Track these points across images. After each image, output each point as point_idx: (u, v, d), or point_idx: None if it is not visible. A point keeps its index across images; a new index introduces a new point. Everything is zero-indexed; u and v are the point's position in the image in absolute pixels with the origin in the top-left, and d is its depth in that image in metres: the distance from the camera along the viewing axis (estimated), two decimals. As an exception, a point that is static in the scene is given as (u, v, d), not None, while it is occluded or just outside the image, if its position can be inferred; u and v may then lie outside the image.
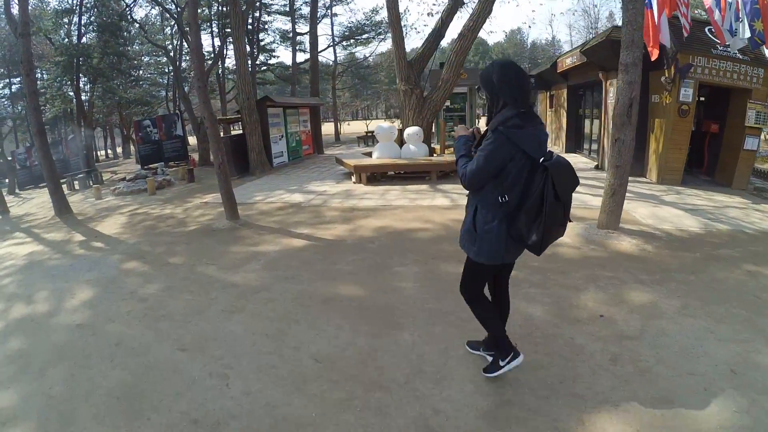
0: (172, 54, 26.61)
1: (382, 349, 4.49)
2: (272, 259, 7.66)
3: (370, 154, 15.56)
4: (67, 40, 26.08)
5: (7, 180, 24.37)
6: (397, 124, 21.66)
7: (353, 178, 14.12)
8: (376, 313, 5.49)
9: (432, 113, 14.91)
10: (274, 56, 35.00)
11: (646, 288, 5.31)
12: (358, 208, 10.75)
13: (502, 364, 3.45)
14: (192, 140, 28.76)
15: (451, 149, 16.07)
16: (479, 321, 3.49)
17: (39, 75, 38.61)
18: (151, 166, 24.03)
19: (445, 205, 10.21)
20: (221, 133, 26.76)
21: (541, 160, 2.85)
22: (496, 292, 3.60)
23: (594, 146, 15.57)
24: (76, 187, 20.71)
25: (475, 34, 13.59)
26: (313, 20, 24.48)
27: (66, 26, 27.21)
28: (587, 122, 16.19)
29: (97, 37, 27.79)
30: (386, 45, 35.66)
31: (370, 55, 34.87)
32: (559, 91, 18.24)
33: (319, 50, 32.41)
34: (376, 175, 13.97)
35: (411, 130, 14.24)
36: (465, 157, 3.04)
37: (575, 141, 17.27)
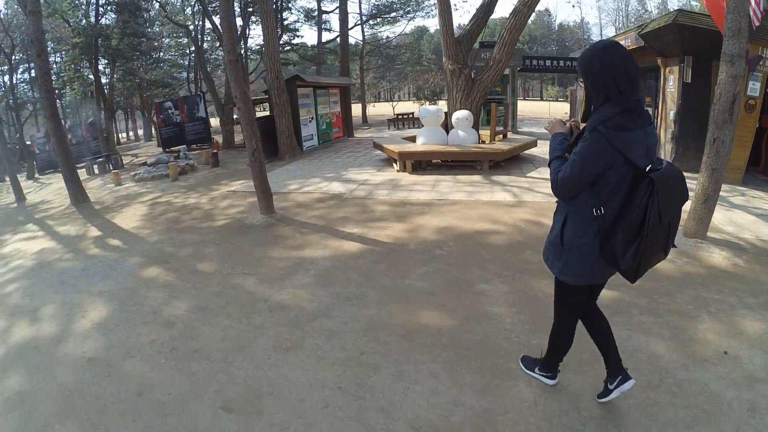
0: (193, 34, 25.08)
1: (498, 410, 3.35)
2: (324, 269, 6.17)
3: (412, 139, 14.00)
4: (84, 21, 24.67)
5: (26, 164, 23.38)
6: (425, 106, 20.03)
7: (396, 166, 12.57)
8: (475, 353, 4.09)
9: (481, 96, 13.47)
10: (298, 36, 33.19)
11: (756, 315, 4.46)
12: (410, 202, 9.19)
13: (611, 387, 3.04)
14: (214, 122, 27.36)
15: (500, 137, 14.43)
16: (553, 337, 3.19)
17: (56, 58, 37.64)
18: (172, 149, 22.83)
19: (509, 201, 8.73)
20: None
21: (647, 169, 2.42)
22: (588, 313, 3.09)
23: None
24: (95, 171, 19.55)
25: (532, 9, 12.34)
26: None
27: (83, 7, 25.84)
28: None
29: (115, 17, 26.38)
30: (414, 24, 33.71)
31: (399, 34, 32.86)
32: None
33: (332, 39, 30.86)
34: (421, 163, 12.41)
35: (461, 114, 12.67)
36: (559, 160, 2.62)
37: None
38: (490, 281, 5.48)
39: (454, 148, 12.15)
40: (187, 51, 36.90)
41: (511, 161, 12.67)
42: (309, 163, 15.29)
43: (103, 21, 26.38)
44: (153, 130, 34.96)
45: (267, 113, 16.65)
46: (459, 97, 13.43)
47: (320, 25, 30.27)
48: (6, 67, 31.84)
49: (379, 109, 46.60)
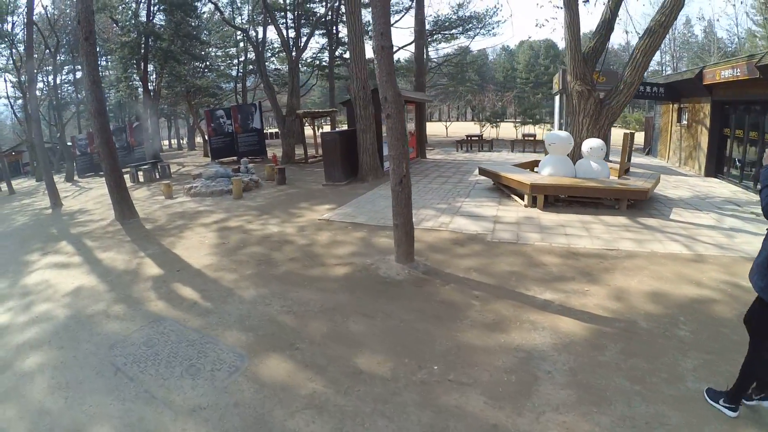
0: (254, 39, 22.81)
1: None
2: (570, 371, 3.62)
3: (528, 167, 11.38)
4: (134, 20, 22.62)
5: (65, 165, 21.15)
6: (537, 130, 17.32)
7: (523, 200, 9.76)
8: None
9: (610, 123, 11.16)
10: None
11: None
12: (577, 251, 6.50)
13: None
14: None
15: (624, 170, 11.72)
16: (746, 365, 2.99)
17: (102, 62, 35.90)
18: (222, 160, 20.35)
19: (686, 254, 6.31)
20: (307, 130, 22.66)
21: None
22: None
23: (734, 171, 12.61)
24: (140, 179, 17.05)
25: (667, 30, 10.54)
26: (420, 5, 20.17)
27: (133, 5, 23.89)
28: (735, 144, 12.78)
29: (167, 17, 24.34)
30: (478, 43, 31.11)
31: (461, 53, 30.21)
32: (697, 105, 14.66)
33: (403, 45, 28.46)
34: (547, 198, 9.65)
35: (594, 143, 10.18)
36: None
37: (717, 164, 13.78)
38: None
39: (593, 183, 9.42)
40: (235, 62, 34.83)
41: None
42: (383, 187, 12.44)
43: (153, 21, 24.41)
44: (197, 138, 32.79)
45: (345, 128, 13.84)
46: (586, 123, 10.99)
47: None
48: (50, 67, 30.16)
49: (433, 129, 43.35)
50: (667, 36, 44.89)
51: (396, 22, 28.22)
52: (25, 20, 21.81)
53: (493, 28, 28.60)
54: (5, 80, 30.53)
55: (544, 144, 10.76)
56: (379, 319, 4.62)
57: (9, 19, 25.76)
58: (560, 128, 16.92)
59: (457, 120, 57.38)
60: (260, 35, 23.83)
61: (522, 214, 8.73)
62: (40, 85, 29.87)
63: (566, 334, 4.14)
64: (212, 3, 23.78)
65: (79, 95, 33.59)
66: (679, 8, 10.16)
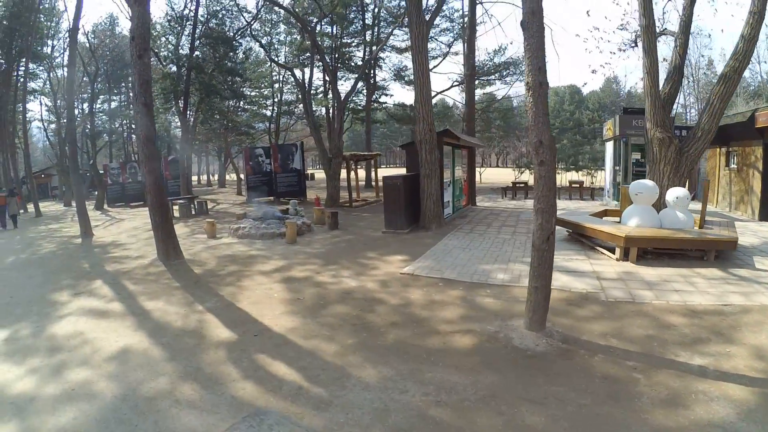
0: (301, 78, 22.26)
1: None
2: None
3: (599, 215, 10.78)
4: (176, 53, 22.20)
5: (96, 192, 20.10)
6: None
7: (615, 254, 8.70)
8: None
9: (688, 170, 10.76)
10: (386, 94, 30.43)
11: None
12: (695, 309, 5.64)
13: None
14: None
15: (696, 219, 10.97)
16: None
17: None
18: (259, 199, 19.15)
19: None
20: (343, 171, 21.49)
21: None
22: None
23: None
24: (176, 214, 15.76)
25: (741, 75, 10.18)
26: (471, 48, 19.38)
27: (176, 36, 23.67)
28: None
29: (210, 51, 23.98)
30: (501, 89, 30.24)
31: (500, 99, 29.45)
32: (748, 148, 14.09)
33: (442, 90, 28.21)
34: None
35: (680, 193, 9.57)
36: None
37: (772, 209, 12.89)
38: None
39: (688, 235, 8.68)
40: (268, 102, 34.45)
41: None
42: (467, 236, 10.94)
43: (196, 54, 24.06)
44: (228, 176, 31.93)
45: (405, 172, 12.60)
46: (667, 171, 10.53)
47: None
48: (85, 94, 29.98)
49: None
50: (691, 77, 44.22)
51: (434, 67, 27.80)
52: (67, 43, 21.46)
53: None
54: (40, 103, 30.40)
55: (628, 193, 9.96)
56: (553, 405, 3.51)
57: (49, 42, 25.60)
58: (613, 176, 16.08)
59: (489, 166, 56.24)
60: (302, 75, 23.32)
61: (618, 269, 7.63)
62: (75, 111, 29.49)
63: (741, 402, 3.58)
64: (257, 41, 23.41)
65: (113, 125, 33.29)
66: (752, 53, 10.00)
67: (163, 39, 23.39)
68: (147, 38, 9.31)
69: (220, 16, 22.29)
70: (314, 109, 32.49)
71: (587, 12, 13.47)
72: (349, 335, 4.93)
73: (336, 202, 16.72)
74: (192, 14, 21.08)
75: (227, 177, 33.43)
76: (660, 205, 9.79)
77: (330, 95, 28.01)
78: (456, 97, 30.90)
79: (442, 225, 12.24)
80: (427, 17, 14.69)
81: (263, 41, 25.18)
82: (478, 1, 18.54)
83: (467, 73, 20.07)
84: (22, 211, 19.15)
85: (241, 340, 4.87)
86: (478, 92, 27.48)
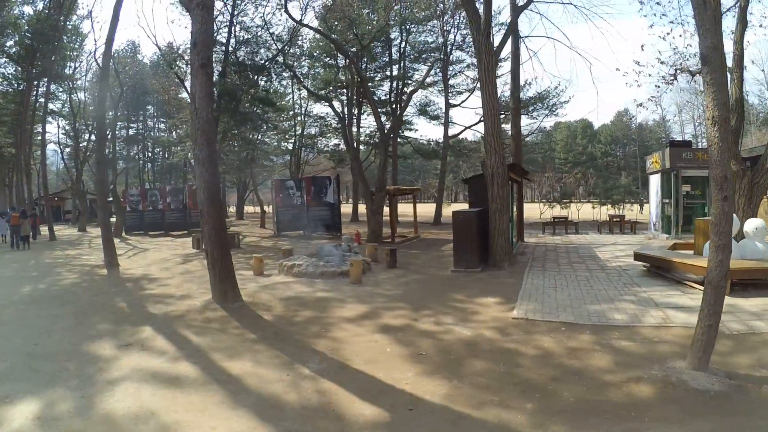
0: (340, 109, 21.10)
1: None
2: None
3: (673, 248, 10.13)
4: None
5: (113, 219, 18.49)
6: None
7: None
8: None
9: (759, 200, 10.59)
10: (410, 129, 29.38)
11: None
12: None
13: None
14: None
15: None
16: None
17: (157, 123, 34.38)
18: (287, 233, 17.62)
19: None
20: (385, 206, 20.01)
21: None
22: None
23: None
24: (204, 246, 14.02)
25: None
26: (516, 81, 18.24)
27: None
28: None
29: (239, 78, 22.83)
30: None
31: (531, 133, 28.33)
32: None
33: (469, 125, 26.92)
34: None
35: (758, 223, 9.37)
36: None
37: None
38: None
39: None
40: (290, 135, 33.28)
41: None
42: (546, 275, 9.45)
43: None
44: (250, 208, 30.34)
45: (467, 207, 11.15)
46: (741, 203, 10.40)
47: (447, 118, 26.39)
48: (108, 120, 28.70)
49: (456, 208, 39.01)
50: (702, 108, 43.29)
51: (463, 101, 26.92)
52: (90, 64, 20.33)
53: (556, 108, 26.78)
54: (58, 125, 29.04)
55: (703, 226, 9.45)
56: None
57: (70, 64, 24.39)
58: (661, 209, 15.20)
59: (544, 202, 55.02)
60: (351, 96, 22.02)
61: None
62: (87, 136, 28.12)
63: None
64: (290, 70, 22.38)
65: (130, 152, 31.97)
66: None
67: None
68: (210, 46, 7.99)
69: (252, 42, 21.21)
70: (336, 142, 31.54)
71: (641, 46, 12.60)
72: (522, 398, 3.82)
73: (379, 237, 15.13)
74: (224, 39, 20.09)
75: (246, 209, 31.75)
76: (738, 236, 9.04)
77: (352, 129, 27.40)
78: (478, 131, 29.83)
79: (513, 263, 10.96)
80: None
81: (295, 71, 24.01)
82: (521, 38, 17.54)
83: (512, 107, 19.00)
84: (32, 235, 17.41)
85: (397, 418, 3.41)
86: (506, 126, 26.55)
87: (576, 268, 10.24)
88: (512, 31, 12.00)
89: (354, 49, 19.53)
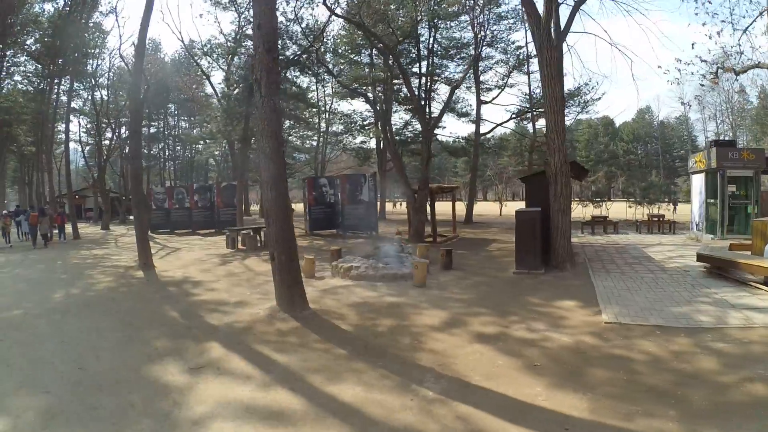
0: (377, 103, 20.17)
1: None
2: None
3: (735, 248, 9.49)
4: (241, 72, 20.24)
5: (132, 217, 17.72)
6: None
7: None
8: None
9: None
10: (439, 126, 28.33)
11: None
12: None
13: None
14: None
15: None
16: None
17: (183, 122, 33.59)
18: (321, 232, 16.72)
19: None
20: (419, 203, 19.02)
21: None
22: None
23: None
24: (240, 245, 13.23)
25: None
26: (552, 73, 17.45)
27: (235, 57, 21.76)
28: None
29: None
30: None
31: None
32: None
33: (500, 122, 26.51)
34: None
35: None
36: None
37: None
38: None
39: None
40: (313, 132, 32.33)
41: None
42: (611, 276, 8.65)
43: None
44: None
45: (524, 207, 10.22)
46: None
47: (479, 115, 25.20)
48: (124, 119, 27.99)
49: (481, 208, 38.19)
50: (725, 105, 41.87)
51: (494, 98, 25.84)
52: (125, 58, 19.65)
53: (588, 105, 25.37)
54: (79, 123, 28.25)
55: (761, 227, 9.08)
56: None
57: (91, 62, 23.53)
58: (705, 209, 14.26)
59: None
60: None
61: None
62: (110, 134, 27.30)
63: None
64: (323, 65, 21.45)
65: (151, 150, 31.22)
66: None
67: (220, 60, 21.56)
68: (276, 28, 6.96)
69: (283, 36, 20.32)
70: (362, 140, 30.52)
71: (692, 44, 11.61)
72: (660, 405, 3.56)
73: (421, 237, 14.15)
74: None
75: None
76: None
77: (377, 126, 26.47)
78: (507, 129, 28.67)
79: (575, 264, 10.01)
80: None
81: (328, 65, 23.02)
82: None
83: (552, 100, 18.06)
84: (60, 236, 16.61)
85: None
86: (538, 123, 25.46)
87: (636, 269, 9.42)
88: (568, 26, 11.07)
89: (388, 45, 18.65)
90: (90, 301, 7.37)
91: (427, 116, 23.84)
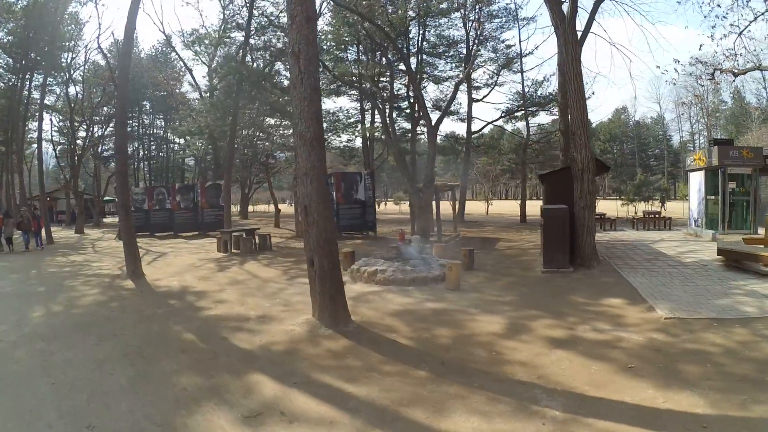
0: (378, 97, 19.14)
1: None
2: None
3: (750, 243, 9.35)
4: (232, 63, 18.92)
5: (104, 219, 16.12)
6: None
7: None
8: None
9: None
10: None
11: None
12: None
13: None
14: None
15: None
16: None
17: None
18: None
19: None
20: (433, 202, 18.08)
21: None
22: None
23: None
24: (233, 248, 12.05)
25: None
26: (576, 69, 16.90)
27: (231, 46, 20.43)
28: None
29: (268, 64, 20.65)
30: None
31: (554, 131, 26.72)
32: None
33: (492, 120, 25.71)
34: None
35: None
36: None
37: None
38: None
39: None
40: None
41: None
42: (640, 273, 8.24)
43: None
44: (251, 207, 27.95)
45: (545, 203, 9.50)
46: None
47: (470, 114, 24.37)
48: (97, 117, 25.95)
49: (468, 207, 37.08)
50: (700, 105, 42.39)
51: (485, 96, 25.23)
52: (89, 55, 18.01)
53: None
54: (50, 121, 25.95)
55: None
56: None
57: (65, 55, 21.52)
58: (705, 205, 14.25)
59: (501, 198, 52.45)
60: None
61: None
62: (83, 134, 25.24)
63: None
64: (324, 67, 20.27)
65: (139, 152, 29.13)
66: None
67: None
68: (315, 51, 5.74)
69: (274, 25, 19.09)
70: (348, 137, 29.29)
71: (700, 46, 11.60)
72: (760, 392, 3.50)
73: (427, 236, 13.26)
74: (244, 23, 18.01)
75: (250, 208, 29.29)
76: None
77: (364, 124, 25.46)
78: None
79: (599, 262, 9.58)
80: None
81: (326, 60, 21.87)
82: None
83: (561, 102, 17.77)
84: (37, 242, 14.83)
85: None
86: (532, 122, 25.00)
87: (658, 265, 9.08)
88: (590, 23, 10.63)
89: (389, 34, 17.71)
90: (79, 321, 5.96)
91: (416, 114, 23.08)
